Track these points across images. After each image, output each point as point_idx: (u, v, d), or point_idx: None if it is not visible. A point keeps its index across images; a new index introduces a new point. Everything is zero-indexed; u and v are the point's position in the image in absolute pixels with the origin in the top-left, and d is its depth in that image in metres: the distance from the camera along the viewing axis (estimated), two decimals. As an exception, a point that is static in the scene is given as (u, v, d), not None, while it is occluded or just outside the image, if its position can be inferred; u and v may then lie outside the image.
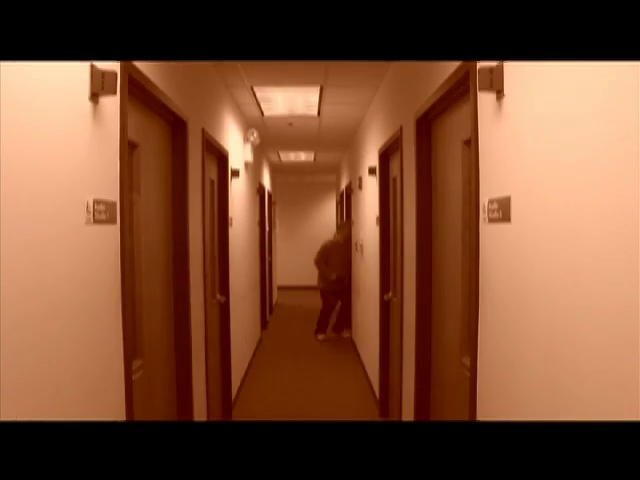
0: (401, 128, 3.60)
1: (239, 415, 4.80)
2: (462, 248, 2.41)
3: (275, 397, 5.36)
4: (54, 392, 1.49)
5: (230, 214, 4.66)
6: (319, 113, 5.87)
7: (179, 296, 3.01)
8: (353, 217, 7.60)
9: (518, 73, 1.65)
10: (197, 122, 3.41)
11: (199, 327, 3.40)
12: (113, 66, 1.86)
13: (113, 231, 1.92)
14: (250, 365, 6.39)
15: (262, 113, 5.83)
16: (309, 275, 14.93)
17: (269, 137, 7.18)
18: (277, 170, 11.26)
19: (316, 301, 8.57)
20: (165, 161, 2.89)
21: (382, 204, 4.59)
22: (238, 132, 5.56)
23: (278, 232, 13.12)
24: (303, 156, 9.44)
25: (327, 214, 14.09)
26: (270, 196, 10.12)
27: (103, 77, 1.74)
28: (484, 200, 1.94)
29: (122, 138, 1.99)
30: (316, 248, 8.17)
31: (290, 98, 5.27)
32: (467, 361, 2.20)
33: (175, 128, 2.98)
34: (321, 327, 8.13)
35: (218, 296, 4.30)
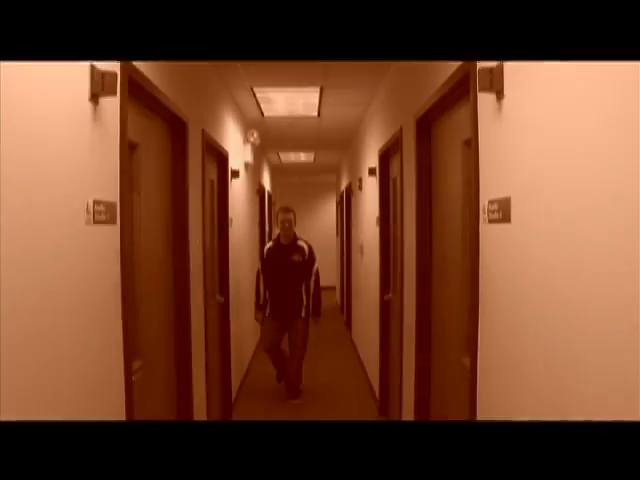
0: (401, 129, 3.60)
1: (239, 415, 4.79)
2: (462, 249, 2.41)
3: (275, 397, 5.36)
4: (54, 392, 1.49)
5: (230, 214, 4.66)
6: (319, 114, 5.87)
7: (179, 297, 3.01)
8: (353, 218, 7.59)
9: (518, 74, 1.65)
10: (197, 123, 3.41)
11: (199, 328, 3.40)
12: (113, 66, 1.86)
13: (113, 231, 1.92)
14: (250, 365, 6.39)
15: (262, 114, 5.83)
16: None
17: (269, 138, 7.17)
18: (277, 171, 11.26)
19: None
20: (165, 162, 2.88)
21: (382, 205, 4.59)
22: (238, 133, 5.56)
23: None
24: (303, 157, 9.44)
25: (327, 215, 14.07)
26: (270, 197, 10.12)
27: (103, 78, 1.73)
28: (484, 201, 1.94)
29: (122, 139, 1.99)
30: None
31: (290, 99, 5.27)
32: (467, 361, 2.20)
33: (175, 129, 2.98)
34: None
35: (218, 296, 4.29)
